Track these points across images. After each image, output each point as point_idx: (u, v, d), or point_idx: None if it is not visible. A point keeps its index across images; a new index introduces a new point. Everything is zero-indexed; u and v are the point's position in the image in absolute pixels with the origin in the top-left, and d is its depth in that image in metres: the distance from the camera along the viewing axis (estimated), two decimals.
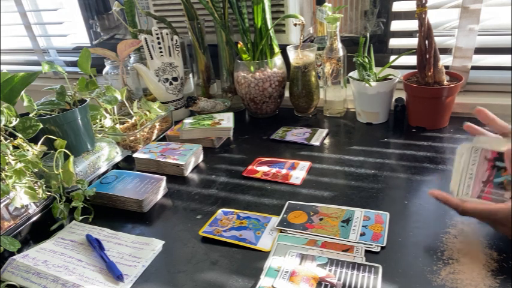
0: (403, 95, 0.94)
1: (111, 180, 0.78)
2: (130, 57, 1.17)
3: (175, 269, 0.58)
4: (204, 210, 0.71)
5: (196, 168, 0.86)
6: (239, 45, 0.99)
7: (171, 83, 1.07)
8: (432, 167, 0.75)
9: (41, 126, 0.68)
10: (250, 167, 0.82)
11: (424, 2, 0.79)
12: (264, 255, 0.58)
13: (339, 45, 0.93)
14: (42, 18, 1.65)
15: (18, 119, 0.67)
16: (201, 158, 0.89)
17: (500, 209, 0.50)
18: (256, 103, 1.04)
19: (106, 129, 0.93)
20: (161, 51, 1.05)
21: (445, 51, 0.99)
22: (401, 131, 0.92)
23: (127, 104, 0.99)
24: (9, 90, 0.73)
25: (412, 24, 0.96)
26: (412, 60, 0.92)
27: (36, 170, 0.67)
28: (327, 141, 0.92)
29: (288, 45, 0.99)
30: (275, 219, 0.65)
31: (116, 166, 0.88)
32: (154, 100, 1.07)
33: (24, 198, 0.63)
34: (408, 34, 1.05)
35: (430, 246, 0.56)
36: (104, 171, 0.84)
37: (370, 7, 1.07)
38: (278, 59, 1.02)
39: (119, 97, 0.91)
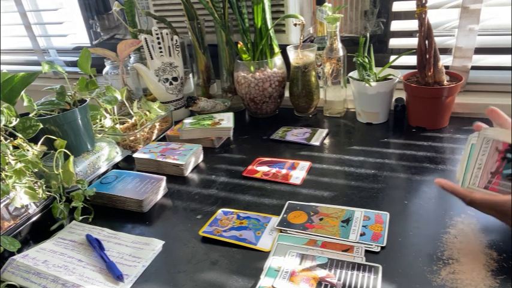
0: (403, 95, 0.94)
1: (111, 180, 0.78)
2: (130, 57, 1.17)
3: (175, 269, 0.58)
4: (204, 210, 0.71)
5: (196, 168, 0.86)
6: (239, 45, 0.99)
7: (171, 83, 1.07)
8: (432, 167, 0.75)
9: (41, 126, 0.68)
10: (250, 167, 0.82)
11: (424, 2, 0.79)
12: (264, 255, 0.58)
13: (339, 45, 0.93)
14: (42, 18, 1.65)
15: (18, 119, 0.67)
16: (201, 158, 0.89)
17: (507, 200, 0.49)
18: (256, 103, 1.04)
19: (106, 129, 0.93)
20: (161, 51, 1.05)
21: (445, 51, 0.99)
22: (401, 131, 0.92)
23: (127, 104, 0.99)
24: (9, 90, 0.73)
25: (412, 24, 0.96)
26: (412, 60, 0.92)
27: (36, 170, 0.67)
28: (327, 141, 0.92)
29: (288, 45, 1.00)
30: (275, 219, 0.65)
31: (116, 166, 0.88)
32: (154, 100, 1.07)
33: (24, 198, 0.63)
34: (408, 34, 1.05)
35: (430, 246, 0.56)
36: (104, 171, 0.84)
37: (370, 7, 1.07)
38: (278, 59, 1.02)
39: (119, 97, 0.91)
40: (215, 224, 0.66)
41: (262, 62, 1.01)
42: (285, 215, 0.66)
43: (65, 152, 0.71)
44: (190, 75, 1.20)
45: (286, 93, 1.06)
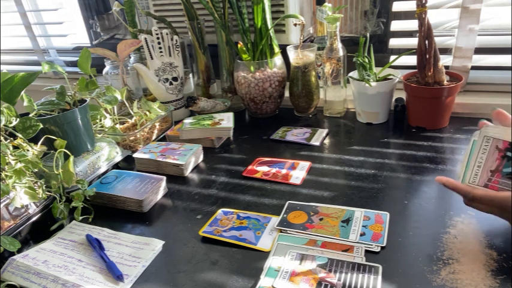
0: (403, 95, 0.94)
1: (111, 180, 0.78)
2: (130, 57, 1.17)
3: (175, 269, 0.58)
4: (204, 210, 0.71)
5: (196, 168, 0.86)
6: (239, 45, 0.99)
7: (171, 83, 1.07)
8: (432, 167, 0.75)
9: (41, 126, 0.68)
10: (250, 167, 0.82)
11: (424, 2, 0.79)
12: (264, 255, 0.58)
13: (339, 45, 0.93)
14: (42, 18, 1.65)
15: (18, 119, 0.67)
16: (201, 158, 0.89)
17: (508, 197, 0.50)
18: (256, 103, 1.04)
19: (106, 129, 0.93)
20: (161, 51, 1.05)
21: (445, 51, 0.99)
22: (401, 131, 0.92)
23: (127, 104, 0.99)
24: (9, 90, 0.73)
25: (412, 24, 0.96)
26: (412, 60, 0.92)
27: (36, 170, 0.67)
28: (327, 141, 0.92)
29: (288, 45, 1.00)
30: (275, 219, 0.65)
31: (116, 166, 0.88)
32: (154, 100, 1.07)
33: (24, 198, 0.63)
34: (408, 34, 1.05)
35: (430, 246, 0.56)
36: (104, 171, 0.84)
37: (370, 7, 1.07)
38: (278, 59, 1.02)
39: (119, 97, 0.91)
40: (215, 224, 0.66)
41: (262, 62, 1.01)
42: (285, 215, 0.66)
43: (65, 152, 0.71)
44: (190, 75, 1.20)
45: (286, 93, 1.06)
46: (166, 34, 1.04)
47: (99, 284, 0.55)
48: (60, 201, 0.69)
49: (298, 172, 0.79)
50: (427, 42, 0.83)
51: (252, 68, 1.01)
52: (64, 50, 1.68)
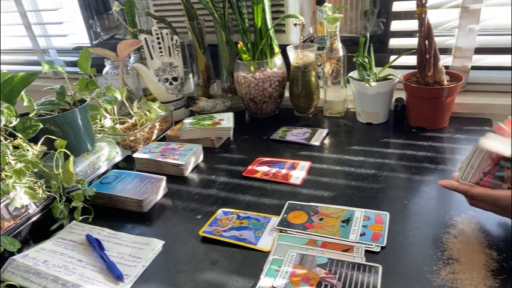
0: (403, 95, 0.94)
1: (111, 180, 0.78)
2: (130, 57, 1.17)
3: (175, 269, 0.58)
4: (204, 210, 0.71)
5: (196, 168, 0.86)
6: (239, 45, 0.99)
7: (171, 83, 1.07)
8: (432, 167, 0.75)
9: (41, 126, 0.68)
10: (250, 167, 0.82)
11: (424, 2, 0.79)
12: (264, 255, 0.58)
13: (339, 45, 0.93)
14: (42, 18, 1.65)
15: (18, 119, 0.67)
16: (201, 158, 0.89)
17: (502, 195, 0.51)
18: (256, 103, 1.04)
19: (106, 129, 0.93)
20: (161, 51, 1.05)
21: (445, 51, 0.99)
22: (401, 131, 0.92)
23: (127, 104, 0.99)
24: (9, 90, 0.73)
25: (412, 24, 0.96)
26: (412, 60, 0.92)
27: (36, 170, 0.67)
28: (327, 141, 0.92)
29: (288, 45, 1.00)
30: (275, 219, 0.65)
31: (116, 166, 0.88)
32: (154, 100, 1.07)
33: (24, 198, 0.63)
34: (408, 34, 1.05)
35: (430, 246, 0.56)
36: (104, 171, 0.84)
37: (370, 7, 1.07)
38: (278, 59, 1.02)
39: (119, 97, 0.91)
40: (215, 224, 0.66)
41: (262, 62, 1.01)
42: (285, 215, 0.66)
43: (65, 152, 0.71)
44: (190, 75, 1.20)
45: (286, 93, 1.06)
46: (166, 34, 1.04)
47: (99, 284, 0.55)
48: (60, 201, 0.69)
49: (298, 172, 0.79)
50: (427, 42, 0.83)
51: (252, 68, 1.01)
52: (64, 50, 1.68)
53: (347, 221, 0.63)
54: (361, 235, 0.59)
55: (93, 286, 0.54)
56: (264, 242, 0.61)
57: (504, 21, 0.91)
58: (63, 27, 1.60)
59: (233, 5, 0.99)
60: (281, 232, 0.62)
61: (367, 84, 0.90)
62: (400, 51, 0.97)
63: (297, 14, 0.98)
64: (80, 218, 0.71)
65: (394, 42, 1.04)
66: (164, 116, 1.02)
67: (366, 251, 0.56)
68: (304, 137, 0.93)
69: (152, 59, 1.04)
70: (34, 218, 0.67)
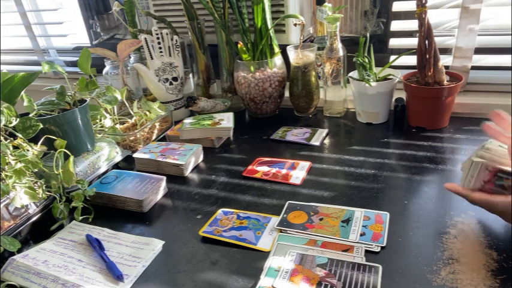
0: (403, 95, 0.94)
1: (111, 180, 0.78)
2: (130, 57, 1.17)
3: (175, 269, 0.58)
4: (204, 210, 0.71)
5: (196, 168, 0.86)
6: (239, 45, 0.99)
7: (171, 83, 1.07)
8: (432, 167, 0.75)
9: (41, 126, 0.68)
10: (250, 167, 0.82)
11: (424, 2, 0.79)
12: (264, 255, 0.58)
13: (339, 45, 0.93)
14: (42, 18, 1.65)
15: (18, 119, 0.67)
16: (201, 158, 0.89)
17: (500, 202, 0.52)
18: (256, 103, 1.04)
19: (106, 129, 0.93)
20: (161, 51, 1.05)
21: (445, 51, 0.99)
22: (401, 131, 0.92)
23: (127, 104, 0.99)
24: (9, 90, 0.73)
25: (412, 24, 0.96)
26: (412, 60, 0.92)
27: (36, 170, 0.67)
28: (327, 141, 0.92)
29: (288, 45, 1.00)
30: (275, 219, 0.65)
31: (116, 166, 0.88)
32: (154, 100, 1.07)
33: (24, 198, 0.63)
34: (408, 34, 1.05)
35: (430, 246, 0.56)
36: (104, 171, 0.84)
37: (370, 7, 1.07)
38: (278, 59, 1.02)
39: (119, 97, 0.91)
40: (215, 224, 0.66)
41: (262, 62, 1.01)
42: (285, 215, 0.66)
43: (65, 152, 0.71)
44: (190, 75, 1.20)
45: (286, 93, 1.06)
46: (166, 34, 1.04)
47: (99, 284, 0.55)
48: (60, 201, 0.69)
49: (298, 172, 0.79)
50: (427, 42, 0.83)
51: (252, 68, 1.01)
52: (64, 50, 1.68)
53: (347, 221, 0.63)
54: (361, 235, 0.59)
55: (93, 286, 0.54)
56: (264, 242, 0.61)
57: (504, 21, 0.91)
58: (63, 27, 1.60)
59: (233, 5, 0.99)
60: (281, 232, 0.62)
61: (367, 84, 0.90)
62: (400, 51, 0.97)
63: (297, 14, 0.98)
64: (80, 218, 0.71)
65: (394, 42, 1.04)
66: (164, 116, 1.02)
67: (366, 251, 0.56)
68: (304, 137, 0.93)
69: (152, 59, 1.04)
70: (34, 218, 0.67)
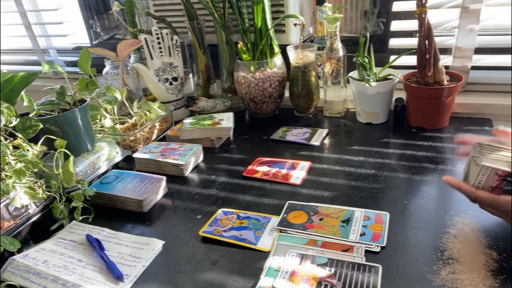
0: (403, 95, 0.94)
1: (111, 180, 0.78)
2: (130, 57, 1.17)
3: (175, 269, 0.58)
4: (204, 210, 0.71)
5: (196, 168, 0.86)
6: (239, 45, 0.99)
7: (171, 83, 1.07)
8: (432, 167, 0.75)
9: (41, 126, 0.68)
10: (250, 167, 0.82)
11: (424, 2, 0.79)
12: (264, 255, 0.58)
13: (339, 45, 0.93)
14: (42, 18, 1.65)
15: (18, 119, 0.67)
16: (201, 158, 0.89)
17: (503, 201, 0.51)
18: (256, 103, 1.04)
19: (106, 129, 0.93)
20: (161, 51, 1.05)
21: (445, 51, 0.99)
22: (401, 131, 0.92)
23: (127, 104, 0.99)
24: (9, 90, 0.73)
25: (412, 24, 0.96)
26: (412, 60, 0.92)
27: (36, 170, 0.67)
28: (327, 141, 0.92)
29: (288, 45, 1.00)
30: (275, 219, 0.65)
31: (116, 166, 0.88)
32: (154, 100, 1.07)
33: (24, 198, 0.63)
34: (408, 34, 1.05)
35: (430, 246, 0.56)
36: (104, 171, 0.84)
37: (370, 7, 1.07)
38: (278, 59, 1.02)
39: (119, 97, 0.91)
40: (215, 224, 0.66)
41: (262, 62, 1.01)
42: (285, 215, 0.66)
43: (65, 152, 0.71)
44: (190, 75, 1.20)
45: (286, 93, 1.06)
46: (166, 34, 1.04)
47: (99, 284, 0.55)
48: (60, 201, 0.69)
49: (298, 172, 0.79)
50: (427, 42, 0.83)
51: (252, 68, 1.01)
52: (64, 50, 1.68)
53: (347, 221, 0.63)
54: (361, 235, 0.59)
55: (93, 286, 0.54)
56: (264, 242, 0.61)
57: (504, 21, 0.91)
58: (63, 27, 1.60)
59: (233, 5, 0.99)
60: (281, 232, 0.62)
61: (367, 84, 0.90)
62: (400, 51, 0.97)
63: (297, 14, 0.98)
64: (80, 218, 0.71)
65: (394, 42, 1.04)
66: (164, 116, 1.02)
67: (366, 251, 0.56)
68: (304, 137, 0.93)
69: (152, 59, 1.04)
70: (34, 218, 0.67)
